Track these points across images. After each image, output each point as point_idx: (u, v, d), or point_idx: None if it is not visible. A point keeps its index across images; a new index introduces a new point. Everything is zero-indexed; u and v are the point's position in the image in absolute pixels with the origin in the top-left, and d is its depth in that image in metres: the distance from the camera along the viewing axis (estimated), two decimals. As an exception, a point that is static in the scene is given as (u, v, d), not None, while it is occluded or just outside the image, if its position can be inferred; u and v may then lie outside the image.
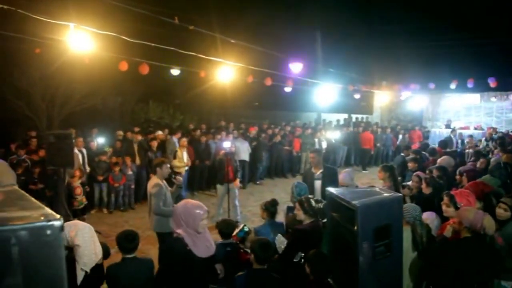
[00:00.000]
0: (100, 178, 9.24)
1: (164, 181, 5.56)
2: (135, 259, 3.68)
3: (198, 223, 3.21)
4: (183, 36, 9.45)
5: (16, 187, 1.37)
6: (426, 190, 5.29)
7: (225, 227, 4.22)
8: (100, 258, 2.81)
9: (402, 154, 9.40)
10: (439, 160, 7.18)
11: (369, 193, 2.76)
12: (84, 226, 2.77)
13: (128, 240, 3.64)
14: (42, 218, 1.03)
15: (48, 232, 1.02)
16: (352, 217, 2.56)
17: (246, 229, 4.47)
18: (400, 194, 2.78)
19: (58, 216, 1.07)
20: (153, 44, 7.43)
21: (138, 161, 9.98)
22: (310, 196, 4.26)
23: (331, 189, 2.91)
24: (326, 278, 3.13)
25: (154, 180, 5.43)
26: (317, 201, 4.02)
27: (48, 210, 1.10)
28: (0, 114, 13.59)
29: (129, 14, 7.20)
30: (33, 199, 1.25)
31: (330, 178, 5.83)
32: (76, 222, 2.81)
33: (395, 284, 2.76)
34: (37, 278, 0.99)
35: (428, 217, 4.31)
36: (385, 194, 2.70)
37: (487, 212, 4.54)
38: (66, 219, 7.55)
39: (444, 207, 4.23)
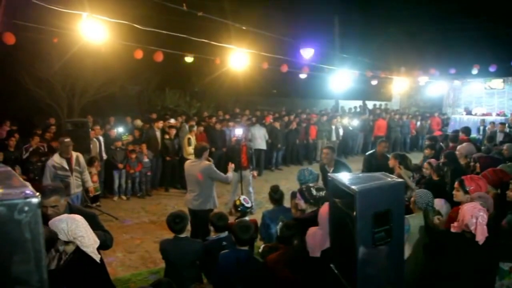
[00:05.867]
0: (120, 166, 9.41)
1: None
2: (184, 239, 3.96)
3: None
4: (197, 23, 9.46)
5: (9, 168, 1.44)
6: (436, 177, 5.23)
7: (217, 220, 4.17)
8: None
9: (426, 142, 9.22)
10: (459, 147, 7.04)
11: (371, 178, 2.73)
12: (80, 217, 2.89)
13: (175, 222, 3.91)
14: (21, 195, 1.09)
15: (26, 208, 1.07)
16: (352, 202, 2.55)
17: (247, 204, 4.58)
18: (402, 180, 2.74)
19: (37, 193, 1.12)
20: (165, 32, 7.46)
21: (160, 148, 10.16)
22: (311, 184, 4.20)
23: (333, 175, 2.89)
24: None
25: (204, 162, 5.91)
26: (318, 189, 3.97)
27: (29, 188, 1.16)
28: (22, 103, 14.01)
29: (141, 2, 7.25)
30: (21, 179, 1.31)
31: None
32: (73, 215, 2.91)
33: (396, 270, 2.75)
34: (17, 253, 1.05)
35: (437, 203, 4.28)
36: (387, 179, 2.67)
37: (504, 200, 4.47)
38: (84, 205, 7.74)
39: (454, 192, 4.20)
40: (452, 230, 3.14)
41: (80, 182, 6.66)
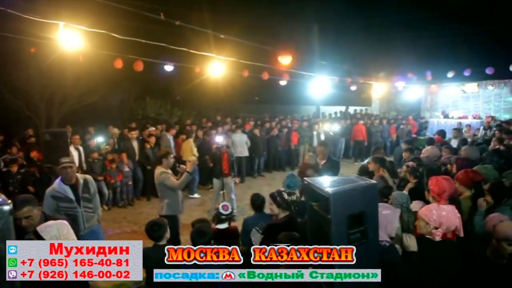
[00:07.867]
0: (100, 178, 9.10)
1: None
2: (163, 247, 3.81)
3: None
4: (176, 32, 9.52)
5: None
6: (412, 179, 5.35)
7: (197, 236, 3.76)
8: None
9: (402, 145, 9.31)
10: (423, 150, 7.14)
11: (345, 180, 2.81)
12: (66, 222, 2.91)
13: (153, 230, 3.92)
14: (-7, 203, 1.12)
15: (-3, 215, 1.10)
16: (326, 204, 2.62)
17: (225, 212, 4.48)
18: (374, 182, 2.83)
19: (8, 201, 1.15)
20: (143, 41, 7.49)
21: (138, 157, 10.09)
22: (282, 189, 4.20)
23: (308, 179, 2.96)
24: None
25: (159, 169, 5.80)
26: (289, 194, 4.02)
27: (1, 196, 1.18)
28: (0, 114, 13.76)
29: (120, 11, 7.28)
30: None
31: (332, 169, 6.43)
32: (60, 221, 2.91)
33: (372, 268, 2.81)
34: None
35: (414, 206, 4.39)
36: (360, 182, 2.75)
37: (478, 200, 4.59)
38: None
39: (426, 193, 4.32)
40: (437, 239, 3.10)
41: (91, 213, 5.09)
